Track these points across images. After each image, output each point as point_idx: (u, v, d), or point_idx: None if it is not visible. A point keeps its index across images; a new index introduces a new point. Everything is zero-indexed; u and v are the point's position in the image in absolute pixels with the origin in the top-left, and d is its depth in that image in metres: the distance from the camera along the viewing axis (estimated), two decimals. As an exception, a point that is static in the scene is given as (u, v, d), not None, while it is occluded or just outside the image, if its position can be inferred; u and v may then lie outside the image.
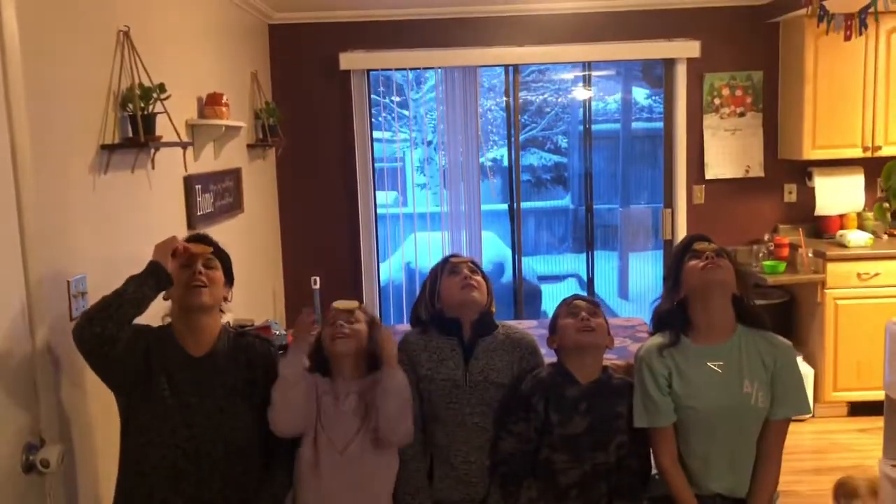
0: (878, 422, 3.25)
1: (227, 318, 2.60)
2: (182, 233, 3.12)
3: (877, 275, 4.40)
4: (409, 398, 2.19)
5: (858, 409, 4.48)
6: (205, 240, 2.21)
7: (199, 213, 3.31)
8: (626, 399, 2.26)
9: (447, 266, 2.40)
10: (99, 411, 2.30)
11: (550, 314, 2.41)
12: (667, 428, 2.22)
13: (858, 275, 4.41)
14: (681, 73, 4.93)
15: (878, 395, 3.37)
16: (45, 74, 2.11)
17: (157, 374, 2.06)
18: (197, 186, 3.31)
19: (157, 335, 2.12)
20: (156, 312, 2.17)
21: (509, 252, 5.44)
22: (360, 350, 2.21)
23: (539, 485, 2.24)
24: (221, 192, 3.69)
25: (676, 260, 2.26)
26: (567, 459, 2.23)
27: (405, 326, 3.59)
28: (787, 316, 4.77)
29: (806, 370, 4.36)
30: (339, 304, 2.26)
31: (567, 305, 2.32)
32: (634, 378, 2.28)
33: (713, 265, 2.17)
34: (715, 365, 2.20)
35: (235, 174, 3.97)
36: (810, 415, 2.28)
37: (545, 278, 8.08)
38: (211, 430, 2.07)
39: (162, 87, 2.68)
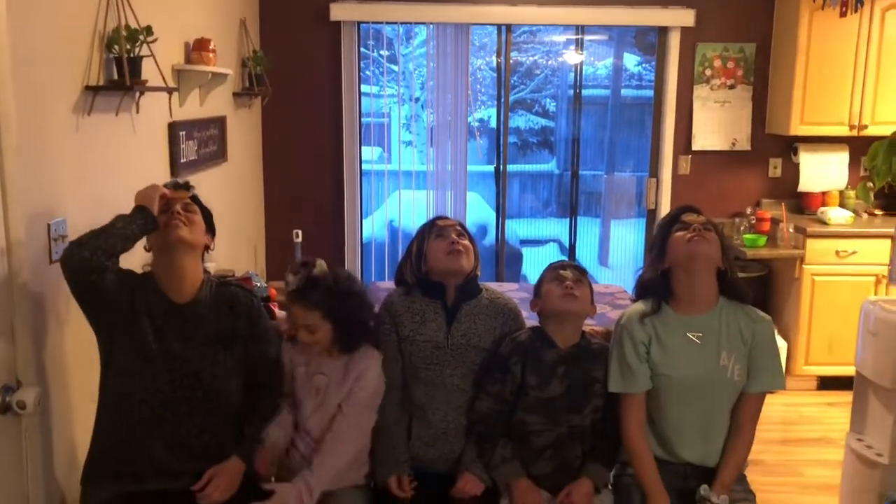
0: (846, 396, 3.32)
1: (209, 267, 2.59)
2: (165, 179, 3.08)
3: (854, 253, 4.45)
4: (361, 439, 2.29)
5: (827, 383, 4.57)
6: (184, 187, 2.20)
7: (182, 160, 3.27)
8: (604, 364, 2.28)
9: (434, 228, 2.38)
10: (77, 355, 2.29)
11: (531, 278, 2.42)
12: (639, 395, 2.25)
13: (837, 252, 4.46)
14: (674, 41, 4.90)
15: (848, 370, 3.43)
16: (29, 11, 2.06)
17: (141, 317, 2.06)
18: (181, 133, 3.26)
19: (141, 281, 2.12)
20: (137, 263, 2.15)
21: (493, 214, 5.44)
22: (327, 341, 2.27)
23: (513, 444, 2.27)
24: (206, 139, 3.64)
25: (663, 229, 2.26)
26: (542, 421, 2.25)
27: (387, 284, 3.59)
28: (765, 289, 4.83)
29: (780, 343, 4.42)
30: (300, 320, 2.24)
31: (552, 270, 2.33)
32: (612, 343, 2.29)
33: (700, 238, 2.17)
34: (694, 336, 2.22)
35: (220, 122, 3.91)
36: (784, 388, 2.30)
37: (527, 242, 8.09)
38: (191, 376, 2.08)
39: (149, 30, 2.62)
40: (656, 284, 2.27)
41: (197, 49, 3.34)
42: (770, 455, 3.80)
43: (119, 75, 2.53)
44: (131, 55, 2.54)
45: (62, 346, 2.22)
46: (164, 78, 2.85)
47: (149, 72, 2.67)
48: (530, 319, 2.44)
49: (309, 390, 2.27)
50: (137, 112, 2.79)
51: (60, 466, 2.20)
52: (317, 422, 2.26)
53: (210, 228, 2.23)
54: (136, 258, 2.18)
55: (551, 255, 8.09)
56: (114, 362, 2.07)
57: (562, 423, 2.25)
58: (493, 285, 2.56)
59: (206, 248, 2.23)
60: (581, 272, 2.35)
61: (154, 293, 2.11)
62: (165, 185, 2.18)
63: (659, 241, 2.26)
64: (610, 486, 2.34)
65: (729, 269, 2.24)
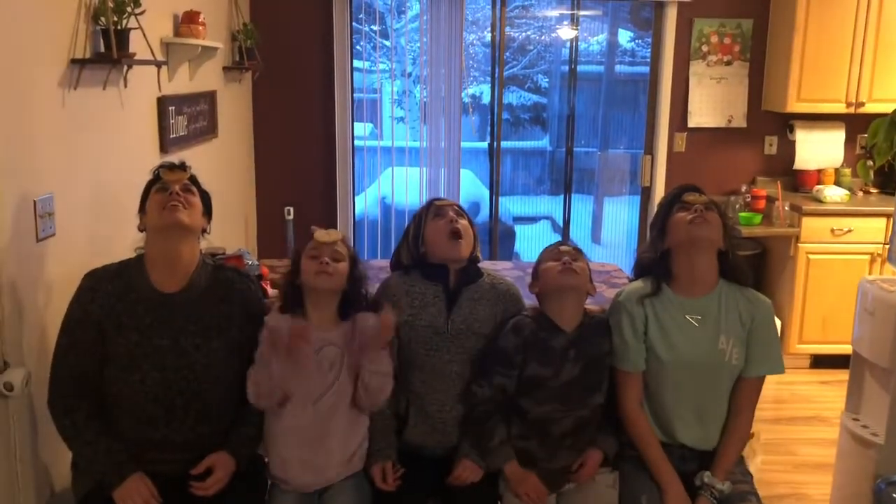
0: (839, 375, 3.31)
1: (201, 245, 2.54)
2: (154, 155, 3.03)
3: (850, 231, 4.43)
4: (391, 374, 2.17)
5: (821, 361, 4.58)
6: (181, 168, 2.12)
7: (171, 136, 3.21)
8: (609, 336, 2.24)
9: (431, 209, 2.33)
10: (65, 336, 2.24)
11: (524, 255, 2.38)
12: (635, 374, 2.21)
13: (832, 230, 4.44)
14: (670, 16, 4.83)
15: (841, 348, 3.42)
16: (11, -20, 1.99)
17: (127, 327, 2.00)
18: (171, 108, 3.19)
19: (119, 285, 2.03)
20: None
21: (486, 191, 5.39)
22: (339, 289, 2.15)
23: (536, 440, 2.22)
24: (195, 115, 3.58)
25: (664, 209, 2.21)
26: (561, 408, 2.19)
27: (379, 262, 3.55)
28: (759, 268, 4.81)
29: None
30: (322, 235, 2.14)
31: (550, 251, 2.29)
32: (611, 321, 2.26)
33: (701, 219, 2.12)
34: (693, 318, 2.18)
35: (210, 97, 3.84)
36: (783, 373, 2.28)
37: (520, 219, 8.04)
38: (184, 369, 2.02)
39: (136, 2, 2.55)
40: (656, 265, 2.23)
41: (186, 21, 3.27)
42: (764, 434, 3.79)
43: (106, 48, 2.46)
44: (118, 27, 2.48)
45: (50, 326, 2.17)
46: (152, 51, 2.78)
47: (137, 45, 2.61)
48: (528, 300, 2.40)
49: (315, 369, 2.12)
50: (125, 86, 2.73)
51: (50, 448, 2.17)
52: (329, 402, 2.13)
53: (207, 211, 2.16)
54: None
55: (544, 232, 8.06)
56: (108, 363, 2.01)
57: (581, 405, 2.21)
58: (489, 265, 2.51)
59: (203, 230, 2.16)
60: (578, 251, 2.31)
61: (140, 287, 2.03)
62: (161, 166, 2.11)
63: (659, 220, 2.22)
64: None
65: (730, 251, 2.20)
